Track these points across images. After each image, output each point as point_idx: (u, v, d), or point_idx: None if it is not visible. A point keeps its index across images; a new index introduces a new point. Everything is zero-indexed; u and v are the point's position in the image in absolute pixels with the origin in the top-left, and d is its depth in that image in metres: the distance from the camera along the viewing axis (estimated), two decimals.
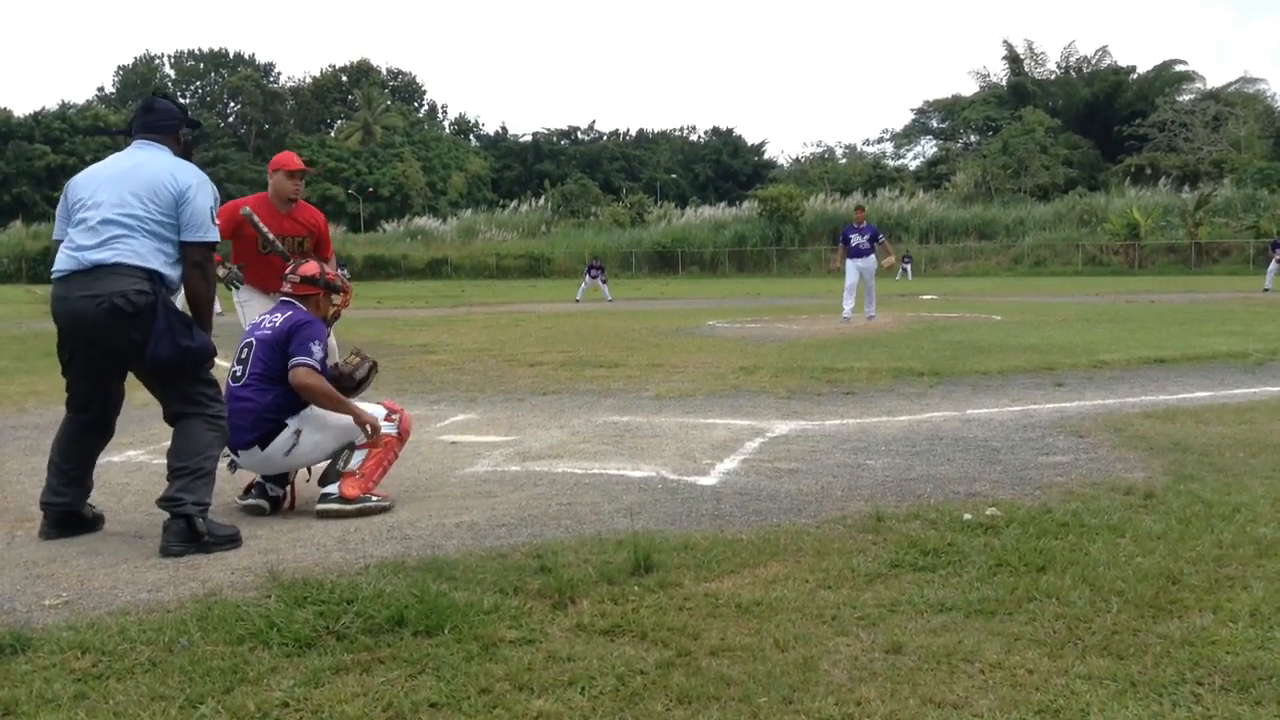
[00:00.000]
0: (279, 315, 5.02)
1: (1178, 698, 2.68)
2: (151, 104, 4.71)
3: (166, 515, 4.29)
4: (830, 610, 3.34)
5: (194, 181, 4.47)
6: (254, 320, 5.19)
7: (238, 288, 6.09)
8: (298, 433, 4.88)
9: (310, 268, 5.21)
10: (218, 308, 18.75)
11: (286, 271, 5.26)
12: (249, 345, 4.97)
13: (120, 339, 4.29)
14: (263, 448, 4.84)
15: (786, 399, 8.34)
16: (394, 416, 5.07)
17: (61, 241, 4.49)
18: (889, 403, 8.06)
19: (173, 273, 4.46)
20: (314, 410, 4.92)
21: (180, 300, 4.59)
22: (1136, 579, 3.54)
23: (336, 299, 5.25)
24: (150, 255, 4.36)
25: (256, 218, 6.17)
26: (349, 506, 4.78)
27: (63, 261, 4.36)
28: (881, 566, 3.78)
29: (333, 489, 4.84)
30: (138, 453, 6.29)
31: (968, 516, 4.39)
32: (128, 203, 4.35)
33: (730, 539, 4.19)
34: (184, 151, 4.68)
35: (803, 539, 4.16)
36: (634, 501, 4.94)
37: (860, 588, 3.57)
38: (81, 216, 4.38)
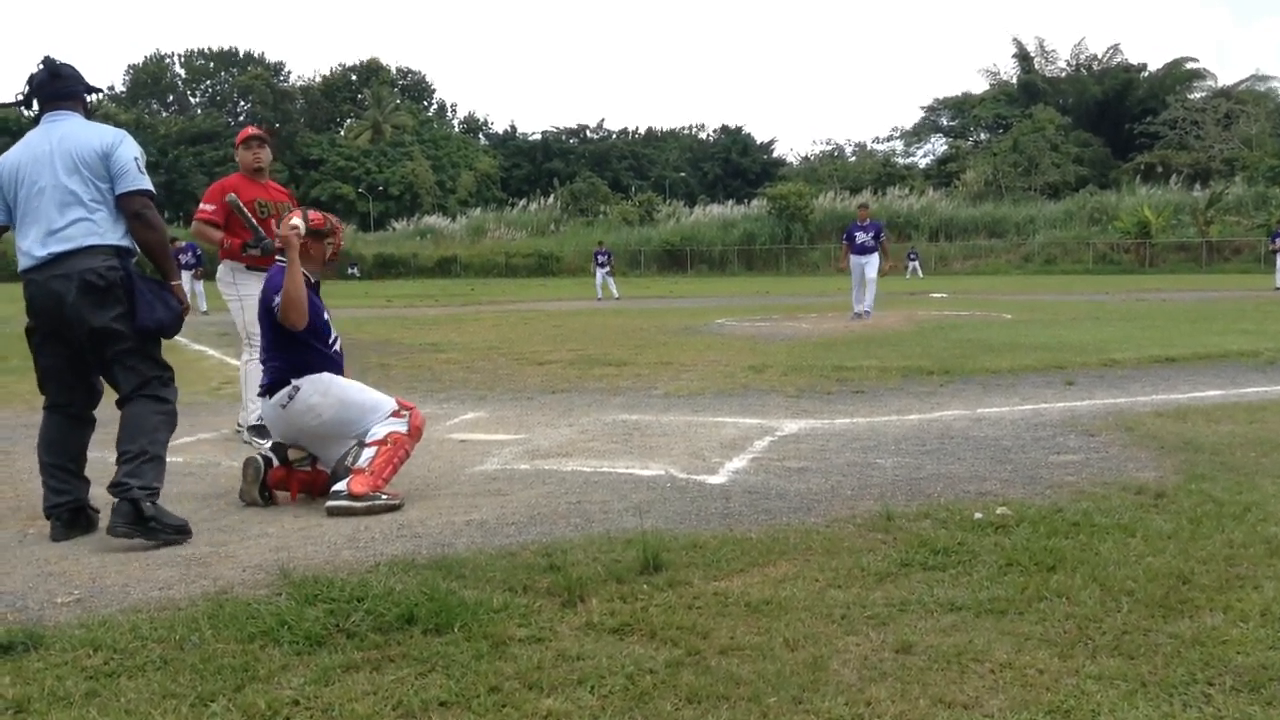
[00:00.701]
0: (269, 282, 5.19)
1: (1189, 698, 2.67)
2: (58, 69, 4.57)
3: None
4: (840, 609, 3.34)
5: (114, 137, 4.49)
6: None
7: (270, 252, 6.34)
8: (297, 388, 5.02)
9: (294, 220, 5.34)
10: (203, 306, 18.92)
11: (277, 227, 5.45)
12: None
13: (96, 317, 4.33)
14: (270, 396, 5.08)
15: (796, 397, 8.33)
16: (404, 413, 5.09)
17: None
18: (899, 401, 8.05)
19: (131, 242, 4.53)
20: (322, 376, 5.08)
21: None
22: (1147, 578, 3.54)
23: (329, 242, 5.36)
24: (109, 231, 4.43)
25: (242, 204, 6.46)
26: (358, 504, 4.78)
27: (27, 259, 4.42)
28: (891, 565, 3.78)
29: (342, 486, 4.85)
30: None
31: (978, 515, 4.38)
32: (69, 185, 4.37)
33: (739, 538, 4.19)
34: (87, 116, 4.64)
35: (812, 538, 4.16)
36: (643, 500, 4.95)
37: (870, 587, 3.56)
38: (31, 207, 4.41)
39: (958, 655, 2.95)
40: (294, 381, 5.04)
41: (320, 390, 5.05)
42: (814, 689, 2.75)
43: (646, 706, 2.68)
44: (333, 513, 4.79)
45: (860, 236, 18.13)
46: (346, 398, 5.10)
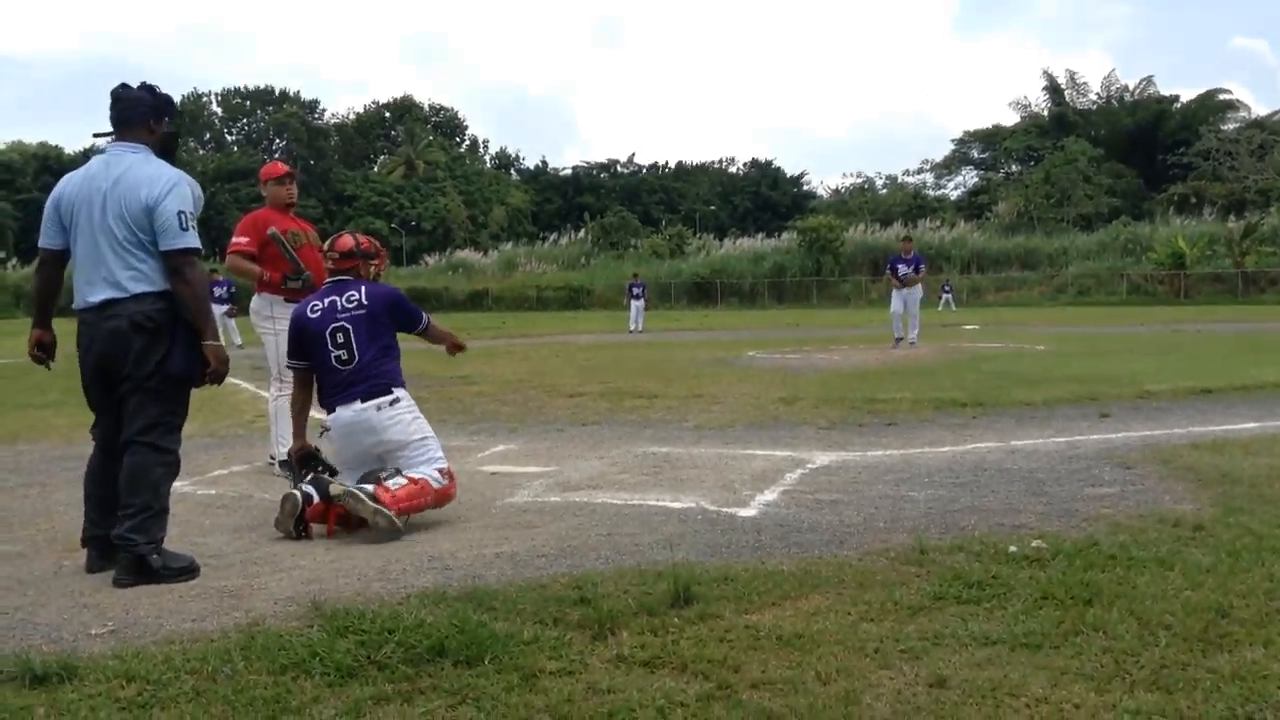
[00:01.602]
0: (355, 292, 5.38)
1: None
2: (118, 94, 4.50)
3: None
4: (873, 643, 3.31)
5: (160, 191, 4.35)
6: (314, 306, 5.43)
7: (311, 286, 6.40)
8: (398, 399, 5.29)
9: (345, 242, 5.58)
10: (237, 339, 19.08)
11: (324, 249, 5.64)
12: (343, 330, 5.29)
13: (142, 357, 4.35)
14: (363, 400, 5.22)
15: (827, 430, 8.30)
16: (446, 477, 5.31)
17: (53, 249, 4.52)
18: (931, 434, 8.00)
19: None
20: (412, 401, 5.40)
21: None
22: (1185, 612, 3.48)
23: (374, 263, 5.64)
24: (158, 277, 4.41)
25: (283, 239, 6.54)
26: (369, 502, 4.92)
27: (81, 301, 4.45)
28: (925, 599, 3.74)
29: (369, 488, 5.00)
30: (181, 483, 6.32)
31: (1013, 549, 4.34)
32: (119, 233, 4.35)
33: (771, 570, 4.16)
34: (161, 143, 4.54)
35: (844, 571, 4.13)
36: (673, 533, 4.93)
37: (903, 620, 3.53)
38: (85, 241, 4.41)
39: (993, 690, 2.91)
40: (395, 391, 5.29)
41: (413, 411, 5.39)
42: None
43: None
44: (344, 494, 4.98)
45: (903, 269, 18.66)
46: (426, 433, 5.40)
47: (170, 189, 4.38)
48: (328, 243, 5.66)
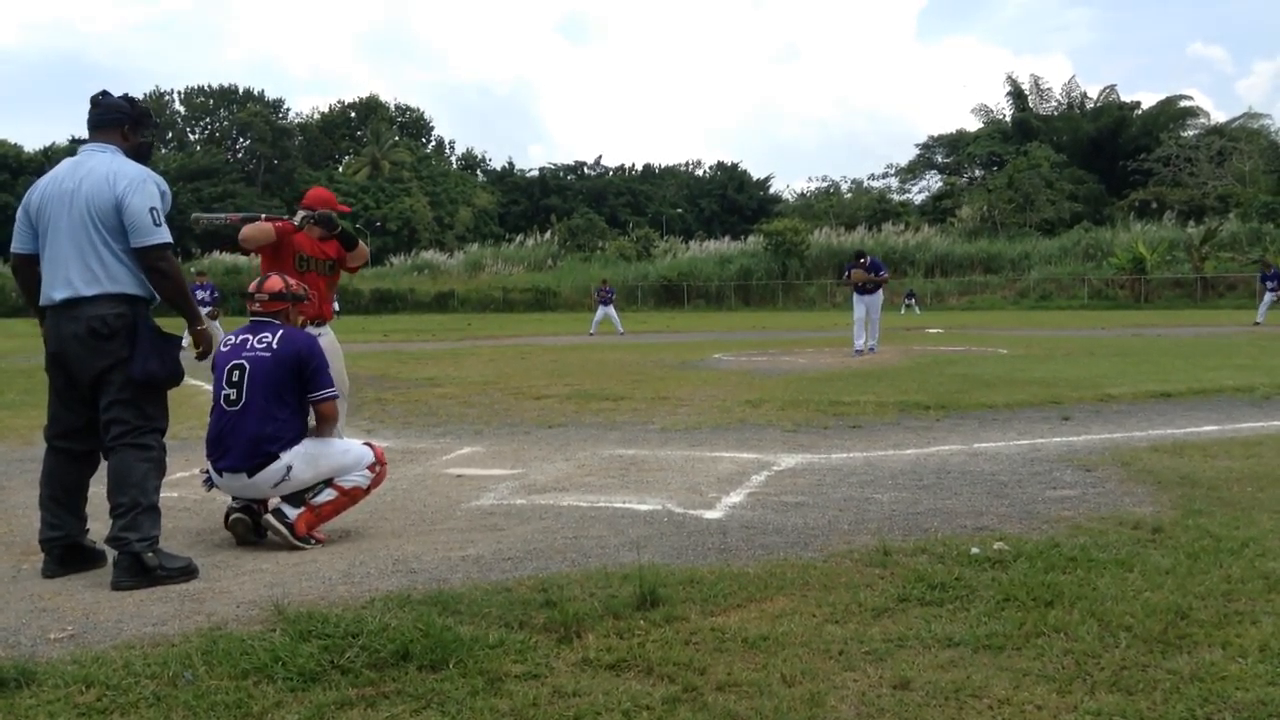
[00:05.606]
0: (269, 335, 5.06)
1: None
2: (96, 99, 4.58)
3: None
4: (837, 645, 3.32)
5: (126, 185, 4.35)
6: (226, 340, 5.19)
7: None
8: (289, 468, 4.93)
9: (275, 283, 5.27)
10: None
11: (251, 290, 5.28)
12: (240, 368, 4.97)
13: (101, 361, 4.33)
14: (250, 475, 4.91)
15: (792, 432, 8.33)
16: (375, 468, 5.17)
17: (21, 253, 4.54)
18: (895, 436, 8.05)
19: (147, 291, 4.49)
20: (307, 448, 5.00)
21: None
22: (1145, 614, 3.52)
23: (304, 308, 5.44)
24: (124, 279, 4.40)
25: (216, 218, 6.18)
26: (292, 539, 4.87)
27: (45, 299, 4.44)
28: (889, 601, 3.76)
29: (291, 514, 4.91)
30: None
31: (975, 551, 4.37)
32: (85, 232, 4.35)
33: (736, 573, 4.17)
34: (135, 152, 4.57)
35: (809, 573, 4.15)
36: (640, 535, 4.93)
37: (867, 622, 3.55)
38: (51, 242, 4.41)
39: (956, 691, 2.93)
40: (283, 458, 4.90)
41: (309, 463, 4.99)
42: None
43: None
44: (267, 525, 4.91)
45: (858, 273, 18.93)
46: (332, 464, 5.07)
47: (136, 187, 4.38)
48: (255, 283, 5.30)
